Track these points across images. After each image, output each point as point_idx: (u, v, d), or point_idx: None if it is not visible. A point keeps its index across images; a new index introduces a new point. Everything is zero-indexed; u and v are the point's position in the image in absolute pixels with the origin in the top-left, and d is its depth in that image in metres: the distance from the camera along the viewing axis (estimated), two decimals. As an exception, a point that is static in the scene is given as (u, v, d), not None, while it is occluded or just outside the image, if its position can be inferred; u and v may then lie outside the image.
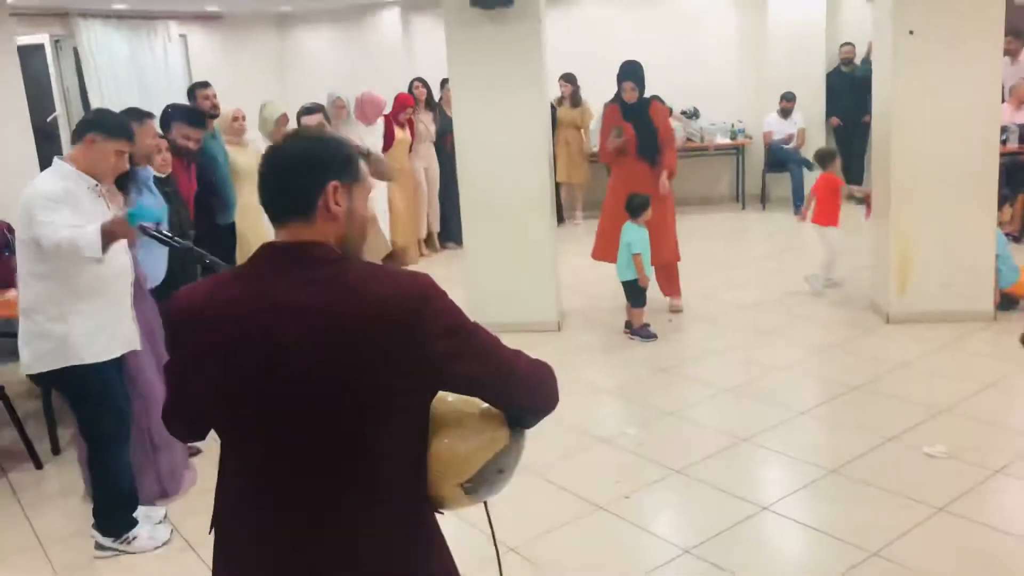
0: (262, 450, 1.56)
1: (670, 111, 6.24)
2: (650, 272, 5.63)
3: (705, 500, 3.55)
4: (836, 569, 2.98)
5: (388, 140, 7.65)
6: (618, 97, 5.90)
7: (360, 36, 11.11)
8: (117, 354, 3.31)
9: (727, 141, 10.24)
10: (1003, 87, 7.92)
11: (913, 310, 5.48)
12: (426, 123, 8.33)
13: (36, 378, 3.43)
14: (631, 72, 5.81)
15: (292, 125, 6.00)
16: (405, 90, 8.40)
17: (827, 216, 6.42)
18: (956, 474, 3.57)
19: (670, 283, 6.16)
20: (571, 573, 3.07)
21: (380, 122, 7.61)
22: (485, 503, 1.75)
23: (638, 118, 5.82)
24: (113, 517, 3.42)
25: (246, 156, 5.89)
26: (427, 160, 8.42)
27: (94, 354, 3.21)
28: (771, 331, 5.68)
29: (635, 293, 5.61)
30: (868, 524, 3.24)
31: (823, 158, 6.67)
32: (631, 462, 3.91)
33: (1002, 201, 5.75)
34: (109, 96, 8.68)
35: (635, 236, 5.49)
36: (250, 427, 1.56)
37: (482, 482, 1.65)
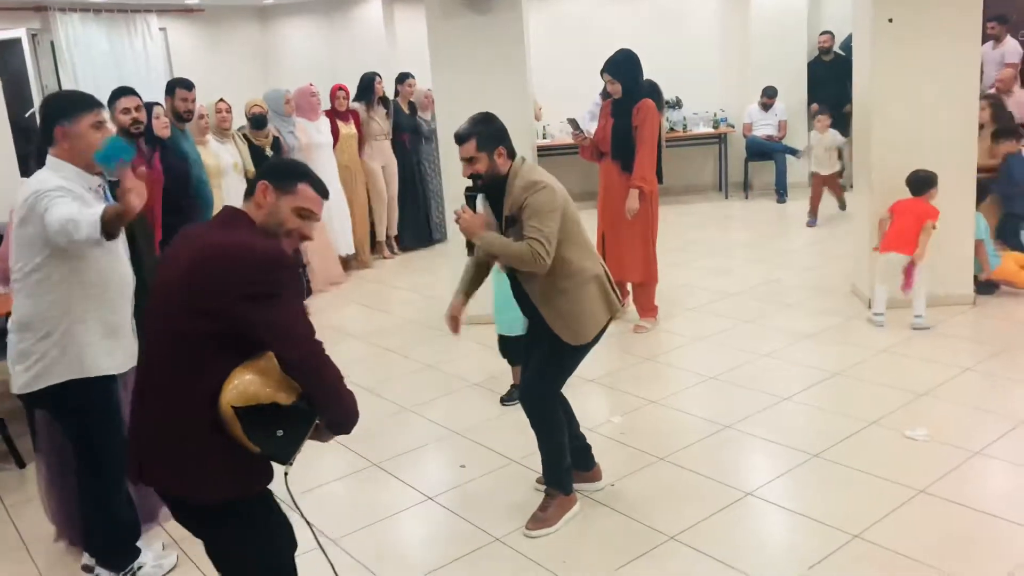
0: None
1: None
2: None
3: (689, 487, 3.57)
4: (819, 552, 3.01)
5: (335, 136, 7.59)
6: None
7: (343, 28, 11.03)
8: (124, 368, 3.03)
9: (710, 130, 10.27)
10: (986, 73, 8.01)
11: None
12: (378, 119, 8.09)
13: (31, 397, 2.98)
14: (609, 64, 5.29)
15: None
16: (390, 82, 8.38)
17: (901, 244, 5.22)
18: (937, 456, 3.62)
19: (644, 304, 5.65)
20: (556, 561, 3.09)
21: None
22: (296, 503, 2.23)
23: (619, 116, 5.35)
24: (116, 553, 3.14)
25: (215, 155, 5.88)
26: (384, 158, 8.17)
27: (105, 366, 2.96)
28: (754, 319, 5.71)
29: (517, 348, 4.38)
30: (850, 507, 3.28)
31: (923, 183, 5.26)
32: (616, 450, 3.93)
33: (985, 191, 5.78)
34: (88, 91, 8.59)
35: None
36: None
37: (256, 423, 2.02)
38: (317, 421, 2.13)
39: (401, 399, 4.74)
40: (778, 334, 5.36)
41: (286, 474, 2.17)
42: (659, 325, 5.65)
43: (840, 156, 8.39)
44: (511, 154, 3.16)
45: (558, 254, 3.06)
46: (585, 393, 4.64)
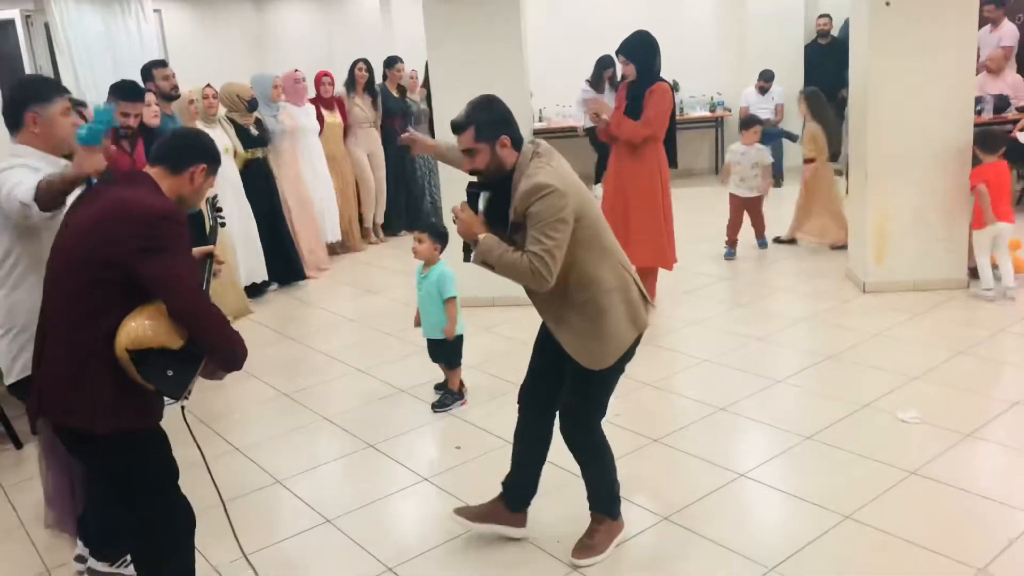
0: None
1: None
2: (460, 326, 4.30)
3: (683, 468, 3.60)
4: (811, 533, 3.04)
5: (321, 123, 7.50)
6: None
7: (339, 12, 11.01)
8: None
9: (706, 114, 10.26)
10: (983, 57, 8.00)
11: (889, 280, 5.55)
12: (363, 107, 7.96)
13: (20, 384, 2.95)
14: (624, 45, 5.21)
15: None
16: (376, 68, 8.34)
17: (1002, 212, 5.28)
18: (928, 439, 3.64)
19: (646, 287, 5.59)
20: (550, 541, 3.11)
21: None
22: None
23: (633, 99, 5.25)
24: (109, 545, 3.04)
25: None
26: (369, 146, 8.07)
27: None
28: (749, 302, 5.73)
29: (452, 350, 4.38)
30: (842, 488, 3.31)
31: (995, 142, 5.31)
32: (609, 432, 3.89)
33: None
34: (83, 73, 8.56)
35: (446, 276, 4.23)
36: None
37: (148, 364, 2.26)
38: (205, 361, 2.42)
39: (395, 381, 4.76)
40: (772, 318, 5.38)
41: (183, 408, 2.49)
42: (656, 309, 5.67)
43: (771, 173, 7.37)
44: (517, 143, 2.74)
45: (569, 261, 2.67)
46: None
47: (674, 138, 5.41)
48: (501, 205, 2.75)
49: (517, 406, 3.09)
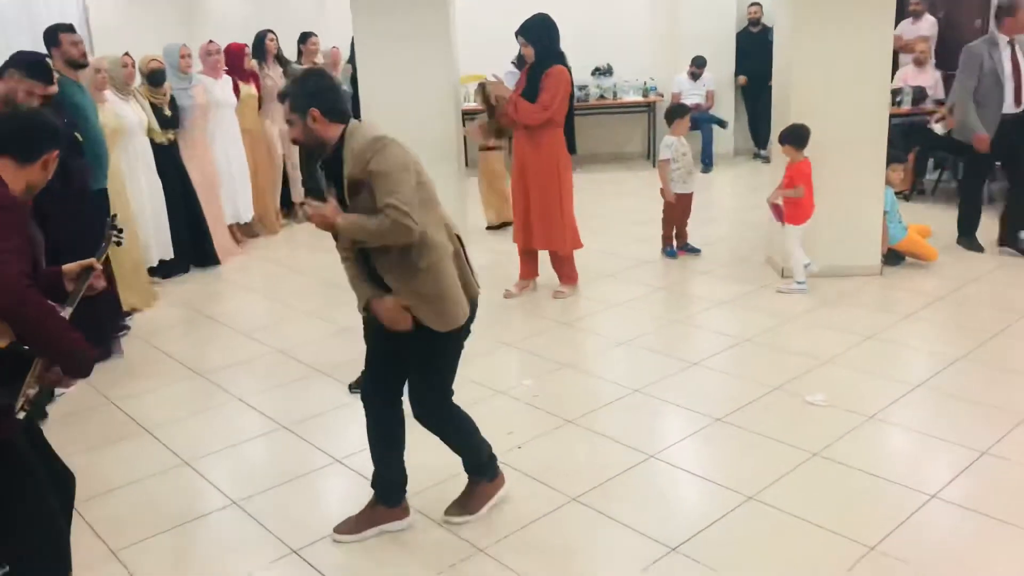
0: None
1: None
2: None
3: (594, 449, 3.63)
4: (714, 513, 3.09)
5: (237, 97, 7.16)
6: None
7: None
8: None
9: (639, 98, 10.32)
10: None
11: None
12: (274, 78, 7.70)
13: None
14: (523, 27, 5.14)
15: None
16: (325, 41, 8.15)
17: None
18: (833, 421, 3.74)
19: (565, 272, 5.61)
20: (463, 524, 3.10)
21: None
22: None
23: (531, 80, 5.18)
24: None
25: (116, 115, 5.52)
26: (281, 120, 7.86)
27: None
28: (671, 286, 5.80)
29: None
30: (747, 469, 3.37)
31: (805, 138, 5.42)
32: (526, 413, 3.96)
33: (894, 161, 5.94)
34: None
35: None
36: None
37: None
38: (41, 365, 2.24)
39: (312, 361, 4.70)
40: (692, 301, 5.46)
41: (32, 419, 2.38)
42: (578, 291, 5.69)
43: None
44: (337, 117, 2.71)
45: None
46: (500, 357, 4.66)
47: (572, 123, 5.41)
48: (336, 181, 2.76)
49: (363, 405, 3.05)
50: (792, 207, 5.43)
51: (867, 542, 2.86)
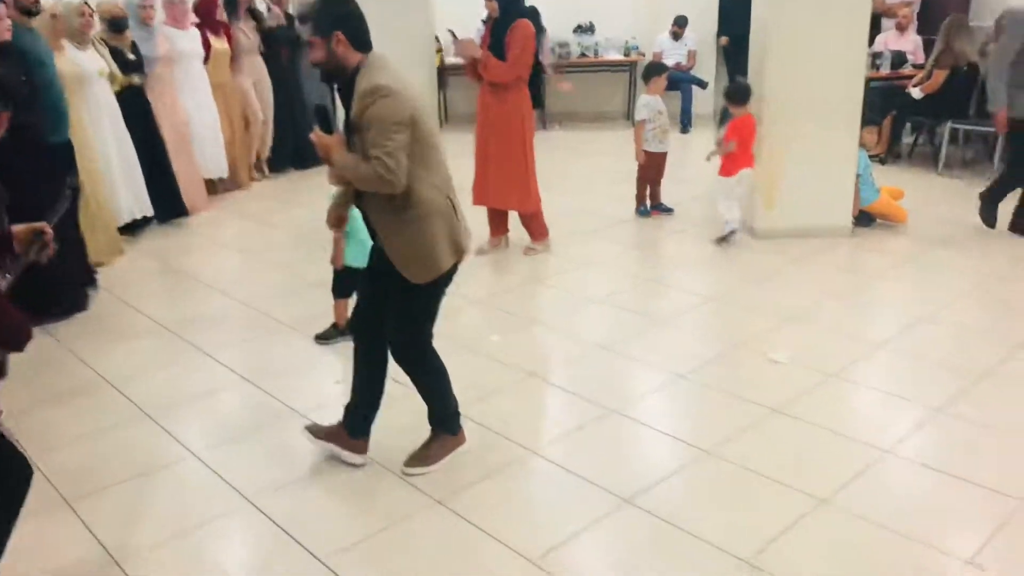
0: None
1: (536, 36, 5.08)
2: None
3: (557, 403, 3.65)
4: (670, 467, 3.12)
5: (207, 50, 6.94)
6: None
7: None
8: None
9: (621, 57, 10.24)
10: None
11: (778, 226, 5.66)
12: (247, 31, 7.40)
13: None
14: None
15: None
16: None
17: (747, 159, 5.58)
18: (794, 378, 3.76)
19: (534, 229, 5.60)
20: (422, 476, 3.12)
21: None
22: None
23: (495, 35, 5.09)
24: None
25: (74, 63, 5.33)
26: (255, 74, 7.50)
27: None
28: (646, 244, 5.80)
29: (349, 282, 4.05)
30: (705, 425, 3.40)
31: (744, 95, 5.59)
32: (490, 368, 3.97)
33: (869, 123, 5.93)
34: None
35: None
36: None
37: None
38: None
39: (280, 315, 4.68)
40: (665, 260, 5.47)
41: None
42: (551, 249, 5.67)
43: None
44: (360, 45, 2.74)
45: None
46: (469, 313, 4.66)
47: (540, 77, 5.38)
48: (346, 105, 2.77)
49: (351, 335, 3.15)
50: (725, 159, 5.62)
51: (820, 495, 2.90)
